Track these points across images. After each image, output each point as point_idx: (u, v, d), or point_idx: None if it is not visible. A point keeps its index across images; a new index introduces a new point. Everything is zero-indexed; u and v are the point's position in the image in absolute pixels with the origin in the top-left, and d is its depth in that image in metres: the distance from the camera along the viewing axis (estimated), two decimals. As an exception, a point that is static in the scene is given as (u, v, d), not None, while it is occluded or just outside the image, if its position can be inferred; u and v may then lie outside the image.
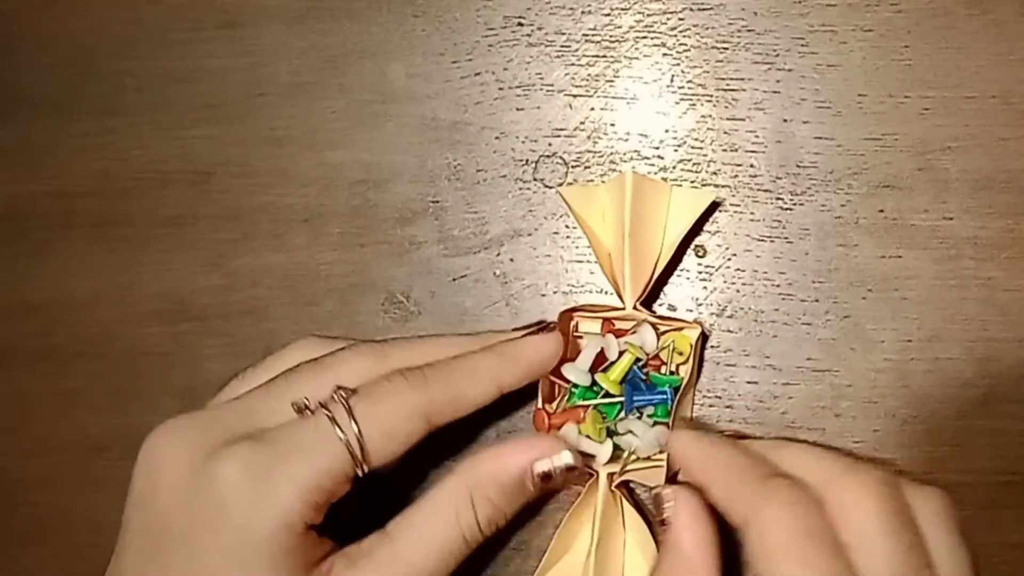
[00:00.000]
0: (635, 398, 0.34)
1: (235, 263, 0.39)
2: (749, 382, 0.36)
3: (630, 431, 0.34)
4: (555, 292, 0.38)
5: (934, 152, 0.36)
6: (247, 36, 0.40)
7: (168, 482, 0.29)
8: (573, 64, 0.38)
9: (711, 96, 0.37)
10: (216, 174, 0.40)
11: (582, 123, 0.38)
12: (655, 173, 0.37)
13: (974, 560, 0.29)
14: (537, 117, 0.38)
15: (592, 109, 0.38)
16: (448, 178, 0.38)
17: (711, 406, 0.36)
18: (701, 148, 0.37)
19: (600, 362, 0.35)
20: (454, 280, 0.38)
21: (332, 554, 0.30)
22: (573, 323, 0.36)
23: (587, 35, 0.38)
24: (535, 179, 0.38)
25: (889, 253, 0.36)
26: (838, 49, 0.37)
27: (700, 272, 0.37)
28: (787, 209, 0.37)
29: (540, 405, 0.35)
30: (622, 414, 0.35)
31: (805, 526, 0.26)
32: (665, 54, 0.38)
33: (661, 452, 0.33)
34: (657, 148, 0.38)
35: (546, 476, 0.31)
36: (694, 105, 0.37)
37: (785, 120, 0.37)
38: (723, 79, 0.37)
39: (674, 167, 0.37)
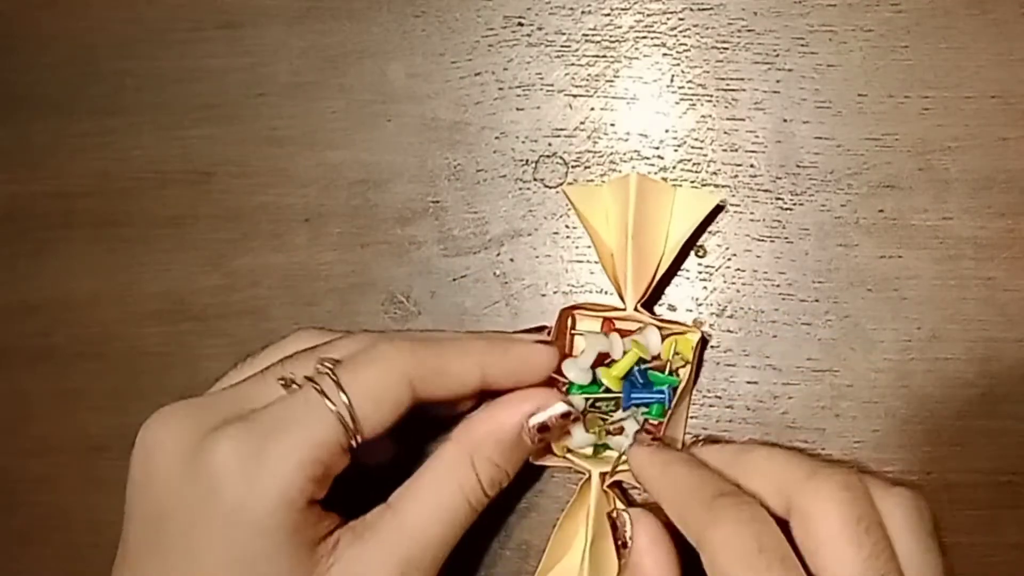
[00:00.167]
0: (633, 395, 0.34)
1: (235, 263, 0.39)
2: (749, 382, 0.36)
3: (622, 427, 0.34)
4: (555, 292, 0.38)
5: (934, 152, 0.36)
6: (247, 36, 0.40)
7: (163, 468, 0.29)
8: (573, 64, 0.38)
9: (711, 96, 0.37)
10: (216, 174, 0.40)
11: (582, 123, 0.38)
12: (655, 173, 0.37)
13: (947, 562, 0.29)
14: (537, 117, 0.38)
15: (592, 109, 0.38)
16: (448, 178, 0.38)
17: (711, 406, 0.36)
18: (701, 148, 0.37)
19: (599, 362, 0.35)
20: (454, 280, 0.38)
21: (338, 528, 0.30)
22: (571, 321, 0.36)
23: (587, 35, 0.38)
24: (535, 179, 0.38)
25: (889, 253, 0.36)
26: (838, 49, 0.37)
27: (700, 272, 0.37)
28: (787, 209, 0.37)
29: None
30: (619, 413, 0.35)
31: (755, 544, 0.26)
32: (665, 54, 0.38)
33: None
34: (657, 148, 0.38)
35: (543, 427, 0.31)
36: (694, 105, 0.37)
37: (785, 120, 0.37)
38: (723, 79, 0.37)
39: (674, 167, 0.37)
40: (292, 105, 0.39)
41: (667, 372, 0.35)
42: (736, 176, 0.37)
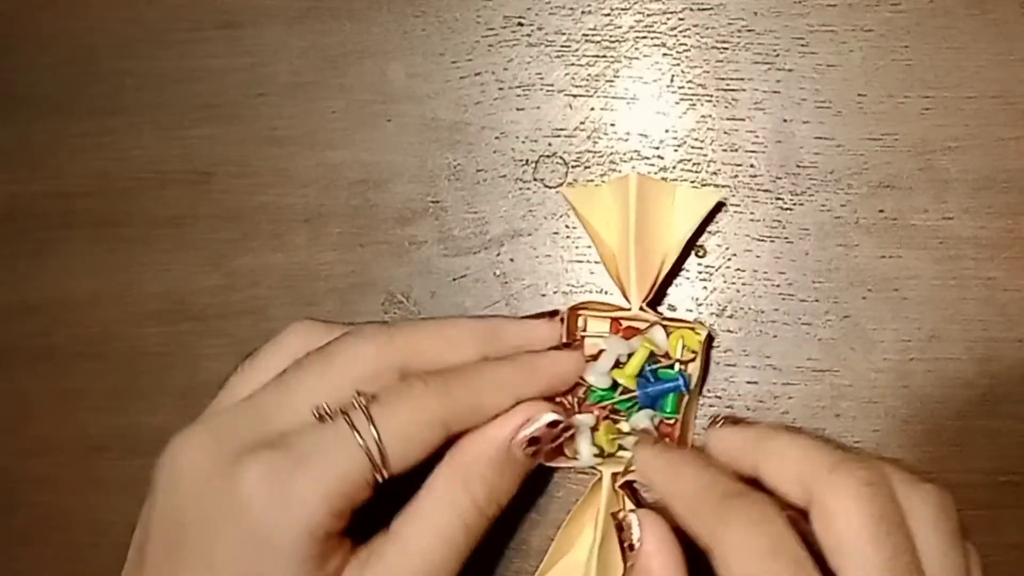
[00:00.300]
0: (648, 389, 0.34)
1: (235, 263, 0.39)
2: (749, 382, 0.36)
3: (637, 428, 0.34)
4: (555, 292, 0.38)
5: (934, 152, 0.36)
6: (247, 36, 0.40)
7: (190, 483, 0.29)
8: (573, 64, 0.38)
9: (711, 96, 0.37)
10: (216, 174, 0.40)
11: (582, 123, 0.38)
12: (655, 173, 0.37)
13: (975, 560, 0.29)
14: (537, 117, 0.38)
15: (592, 109, 0.38)
16: (448, 178, 0.38)
17: (711, 406, 0.36)
18: (701, 148, 0.37)
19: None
20: (454, 280, 0.38)
21: (348, 555, 0.30)
22: (581, 321, 0.36)
23: (587, 35, 0.38)
24: (535, 179, 0.38)
25: (889, 253, 0.36)
26: (838, 49, 0.37)
27: (700, 272, 0.37)
28: (787, 209, 0.37)
29: None
30: (638, 416, 0.35)
31: (768, 545, 0.26)
32: (665, 54, 0.38)
33: None
34: (657, 148, 0.38)
35: (533, 440, 0.31)
36: (694, 105, 0.37)
37: (785, 120, 0.37)
38: (723, 79, 0.37)
39: (674, 167, 0.37)
40: (292, 105, 0.39)
41: (676, 368, 0.35)
42: (736, 176, 0.37)
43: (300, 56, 0.40)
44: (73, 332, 0.40)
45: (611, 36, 0.38)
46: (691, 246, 0.37)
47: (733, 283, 0.37)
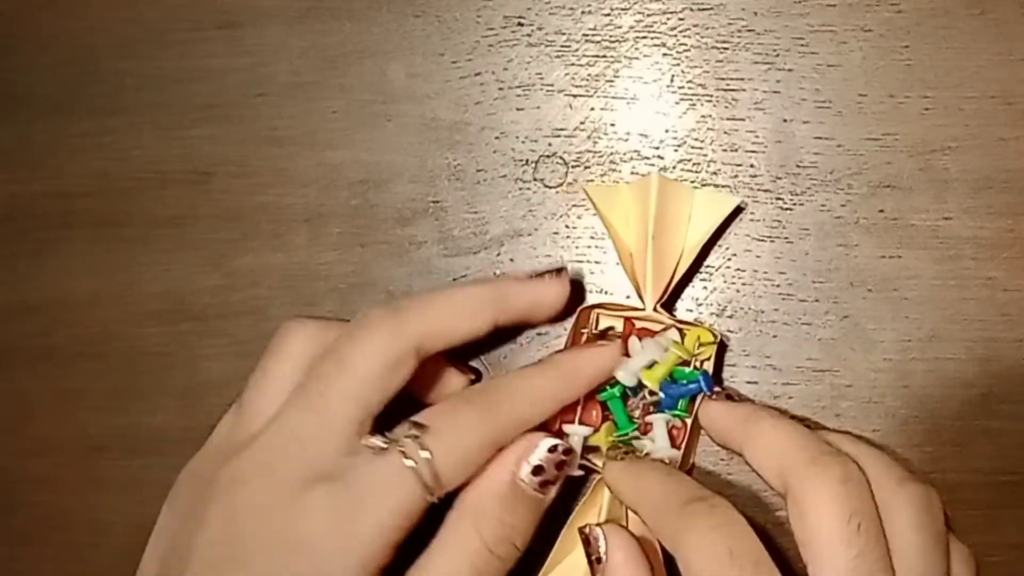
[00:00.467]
0: (670, 391, 0.34)
1: (235, 263, 0.39)
2: (749, 382, 0.36)
3: (650, 427, 0.34)
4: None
5: (934, 152, 0.36)
6: (247, 36, 0.40)
7: (249, 524, 0.29)
8: (573, 64, 0.38)
9: (711, 96, 0.37)
10: (216, 174, 0.40)
11: (582, 123, 0.38)
12: (654, 173, 0.37)
13: (964, 560, 0.29)
14: (537, 117, 0.38)
15: (592, 109, 0.38)
16: (448, 178, 0.38)
17: (711, 406, 0.36)
18: (701, 148, 0.37)
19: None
20: (454, 280, 0.38)
21: None
22: (593, 319, 0.36)
23: (587, 35, 0.38)
24: (535, 179, 0.38)
25: (889, 253, 0.36)
26: (838, 49, 0.37)
27: (700, 272, 0.37)
28: (787, 209, 0.37)
29: None
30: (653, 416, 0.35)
31: (726, 548, 0.26)
32: (665, 54, 0.38)
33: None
34: (657, 148, 0.38)
35: (538, 469, 0.31)
36: (694, 105, 0.37)
37: (785, 120, 0.37)
38: (723, 79, 0.37)
39: (674, 167, 0.37)
40: (292, 105, 0.39)
41: (692, 367, 0.35)
42: (736, 176, 0.37)
43: (300, 56, 0.40)
44: (73, 332, 0.40)
45: (611, 36, 0.38)
46: (709, 249, 0.37)
47: (733, 283, 0.37)
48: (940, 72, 0.36)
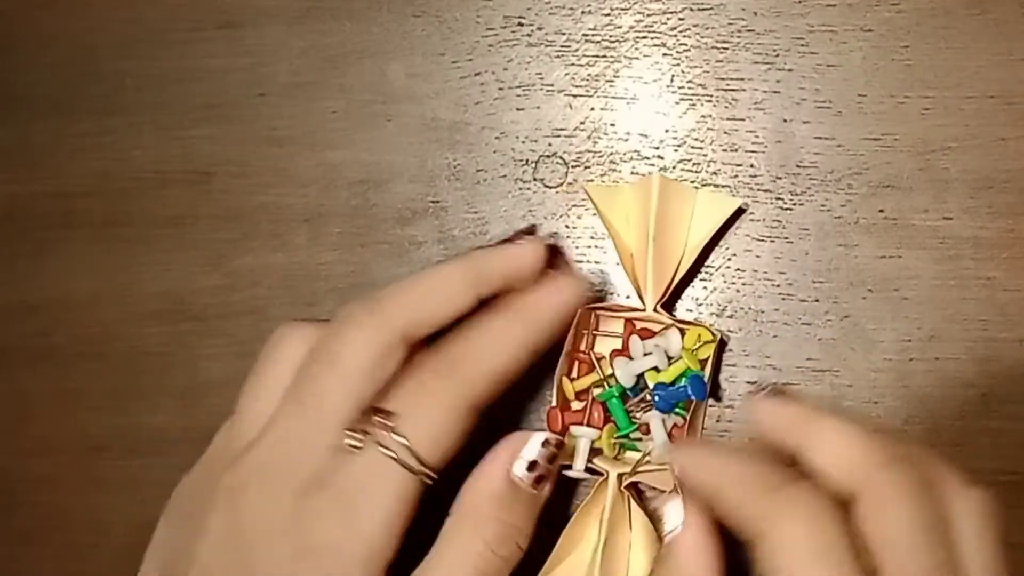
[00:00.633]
0: (663, 393, 0.34)
1: (235, 263, 0.39)
2: (749, 382, 0.36)
3: (646, 427, 0.34)
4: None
5: (934, 152, 0.36)
6: (247, 36, 0.40)
7: (255, 535, 0.29)
8: (573, 64, 0.38)
9: (711, 96, 0.37)
10: (216, 174, 0.40)
11: (582, 123, 0.38)
12: (655, 173, 0.37)
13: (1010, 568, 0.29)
14: (537, 117, 0.38)
15: (592, 109, 0.38)
16: (448, 178, 0.38)
17: (711, 406, 0.36)
18: (701, 148, 0.37)
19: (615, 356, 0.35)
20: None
21: None
22: (594, 320, 0.36)
23: (587, 35, 0.38)
24: (535, 179, 0.38)
25: (889, 253, 0.36)
26: (838, 49, 0.37)
27: (700, 272, 0.37)
28: (787, 209, 0.37)
29: (554, 404, 0.35)
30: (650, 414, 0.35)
31: (823, 541, 0.25)
32: (665, 54, 0.38)
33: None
34: (657, 148, 0.38)
35: (532, 464, 0.30)
36: (694, 105, 0.37)
37: (785, 120, 0.37)
38: (723, 79, 0.37)
39: (674, 167, 0.37)
40: (292, 105, 0.39)
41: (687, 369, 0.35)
42: (736, 176, 0.37)
43: (300, 56, 0.40)
44: (73, 332, 0.40)
45: (611, 36, 0.38)
46: (710, 250, 0.37)
47: (733, 283, 0.37)
48: (940, 72, 0.36)
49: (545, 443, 0.31)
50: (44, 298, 0.40)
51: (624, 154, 0.38)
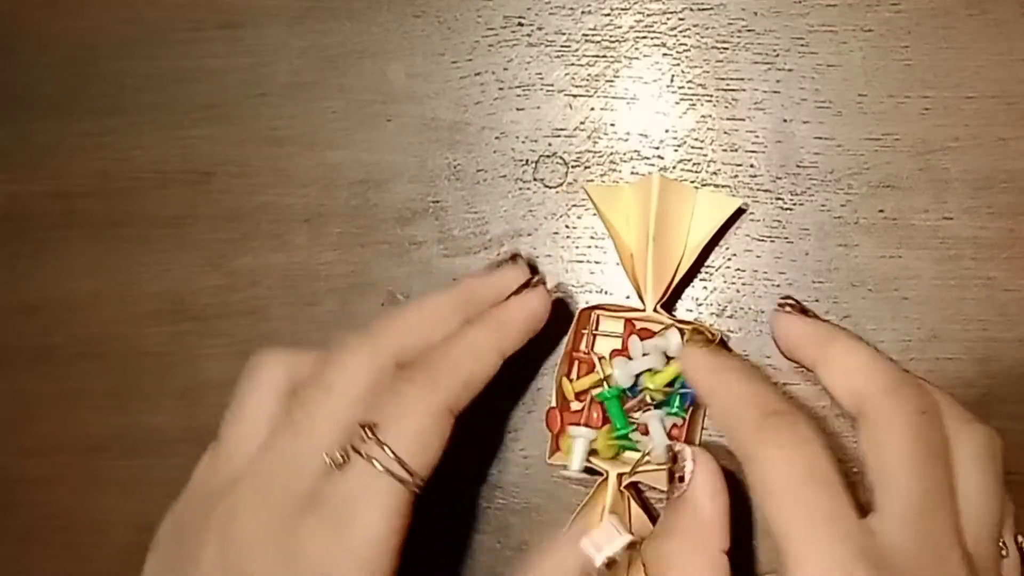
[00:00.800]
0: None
1: (235, 263, 0.39)
2: (749, 382, 0.36)
3: (645, 427, 0.34)
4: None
5: (934, 152, 0.36)
6: (247, 36, 0.40)
7: (252, 562, 0.29)
8: (573, 64, 0.38)
9: (711, 96, 0.37)
10: (216, 174, 0.40)
11: (582, 123, 0.38)
12: (655, 173, 0.37)
13: (1009, 510, 0.29)
14: (537, 117, 0.38)
15: (592, 109, 0.38)
16: (448, 178, 0.38)
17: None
18: (701, 148, 0.37)
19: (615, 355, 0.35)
20: (454, 280, 0.38)
21: None
22: (594, 319, 0.36)
23: (587, 35, 0.38)
24: (535, 179, 0.38)
25: (889, 253, 0.36)
26: (838, 49, 0.37)
27: (700, 272, 0.37)
28: (787, 209, 0.37)
29: (553, 405, 0.35)
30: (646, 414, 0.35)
31: (804, 466, 0.26)
32: (665, 54, 0.38)
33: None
34: (657, 148, 0.38)
35: (609, 563, 0.30)
36: (694, 105, 0.37)
37: (785, 120, 0.37)
38: (723, 79, 0.37)
39: (674, 167, 0.37)
40: (292, 105, 0.39)
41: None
42: (736, 176, 0.37)
43: (300, 56, 0.40)
44: (73, 332, 0.40)
45: (611, 36, 0.38)
46: (710, 250, 0.37)
47: (733, 283, 0.37)
48: (940, 72, 0.36)
49: (629, 545, 0.30)
50: (44, 298, 0.40)
51: (624, 154, 0.38)
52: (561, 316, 0.37)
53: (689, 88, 0.38)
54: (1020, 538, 0.30)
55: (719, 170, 0.37)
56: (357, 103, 0.39)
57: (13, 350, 0.40)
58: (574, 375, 0.36)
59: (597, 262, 0.37)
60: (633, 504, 0.34)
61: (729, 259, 0.37)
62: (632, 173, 0.37)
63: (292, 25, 0.40)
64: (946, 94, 0.36)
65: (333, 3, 0.40)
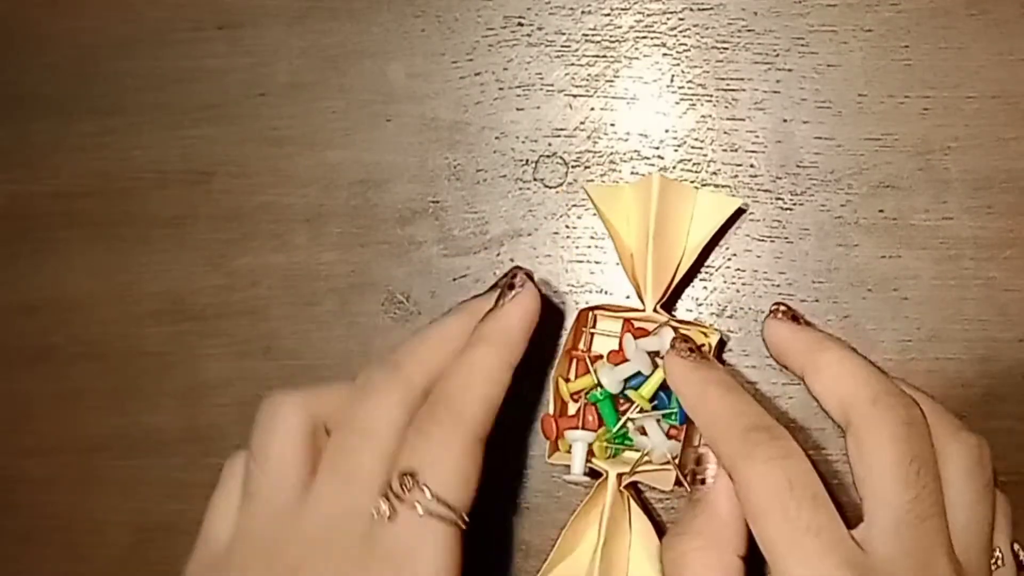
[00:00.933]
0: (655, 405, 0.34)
1: (235, 263, 0.39)
2: (749, 382, 0.36)
3: (643, 428, 0.34)
4: (555, 292, 0.38)
5: (934, 152, 0.36)
6: (247, 36, 0.40)
7: None
8: (573, 64, 0.38)
9: (711, 96, 0.37)
10: (216, 174, 0.40)
11: (582, 123, 0.38)
12: (655, 173, 0.37)
13: (1004, 509, 0.29)
14: (537, 117, 0.38)
15: (592, 109, 0.38)
16: (448, 178, 0.38)
17: (711, 406, 0.36)
18: (701, 148, 0.37)
19: (615, 359, 0.35)
20: (454, 280, 0.38)
21: None
22: (592, 319, 0.36)
23: (587, 35, 0.38)
24: (535, 179, 0.38)
25: (889, 253, 0.36)
26: (838, 49, 0.37)
27: (700, 272, 0.37)
28: (787, 209, 0.37)
29: (550, 412, 0.35)
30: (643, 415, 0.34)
31: (785, 479, 0.26)
32: (665, 54, 0.38)
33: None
34: (657, 148, 0.38)
35: None
36: (694, 105, 0.37)
37: (785, 120, 0.37)
38: (723, 79, 0.37)
39: (674, 167, 0.37)
40: (292, 105, 0.39)
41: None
42: (736, 176, 0.37)
43: (300, 56, 0.40)
44: (73, 332, 0.40)
45: (611, 36, 0.38)
46: (710, 250, 0.37)
47: (733, 283, 0.37)
48: (940, 72, 0.36)
49: None
50: (44, 298, 0.40)
51: (624, 154, 0.38)
52: (557, 318, 0.37)
53: (689, 88, 0.38)
54: (1017, 547, 0.30)
55: (719, 170, 0.37)
56: (357, 103, 0.39)
57: (13, 350, 0.40)
58: (572, 375, 0.36)
59: (597, 262, 0.37)
60: (633, 504, 0.34)
61: (729, 259, 0.37)
62: (632, 173, 0.37)
63: (292, 25, 0.40)
64: (946, 94, 0.36)
65: (333, 3, 0.40)
